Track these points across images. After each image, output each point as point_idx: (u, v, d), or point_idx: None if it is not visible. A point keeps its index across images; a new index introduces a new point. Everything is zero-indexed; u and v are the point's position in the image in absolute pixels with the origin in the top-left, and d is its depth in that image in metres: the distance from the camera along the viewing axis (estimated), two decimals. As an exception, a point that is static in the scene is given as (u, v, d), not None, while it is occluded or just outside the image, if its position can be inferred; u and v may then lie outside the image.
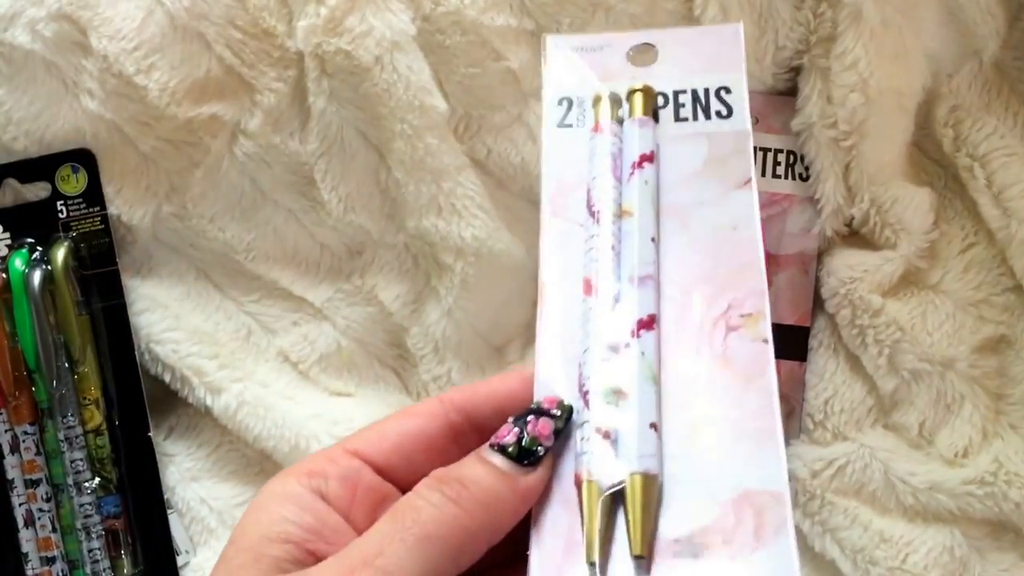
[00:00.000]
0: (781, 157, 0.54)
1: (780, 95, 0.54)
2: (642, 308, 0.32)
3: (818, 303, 0.54)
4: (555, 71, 0.38)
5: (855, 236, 0.54)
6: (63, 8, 0.50)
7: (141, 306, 0.54)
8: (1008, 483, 0.50)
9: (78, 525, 0.52)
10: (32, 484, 0.52)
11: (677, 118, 0.36)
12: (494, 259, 0.53)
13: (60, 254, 0.52)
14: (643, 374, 0.31)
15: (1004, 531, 0.52)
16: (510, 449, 0.29)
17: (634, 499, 0.29)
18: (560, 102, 0.37)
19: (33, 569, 0.52)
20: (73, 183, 0.53)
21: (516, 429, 0.30)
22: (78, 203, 0.53)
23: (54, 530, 0.52)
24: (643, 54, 0.38)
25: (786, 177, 0.54)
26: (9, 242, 0.53)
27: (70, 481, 0.52)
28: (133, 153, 0.53)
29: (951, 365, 0.52)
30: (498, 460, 0.29)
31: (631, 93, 0.36)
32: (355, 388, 0.56)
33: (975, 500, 0.51)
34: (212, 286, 0.56)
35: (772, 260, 0.54)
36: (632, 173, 0.34)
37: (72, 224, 0.53)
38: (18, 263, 0.51)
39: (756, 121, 0.54)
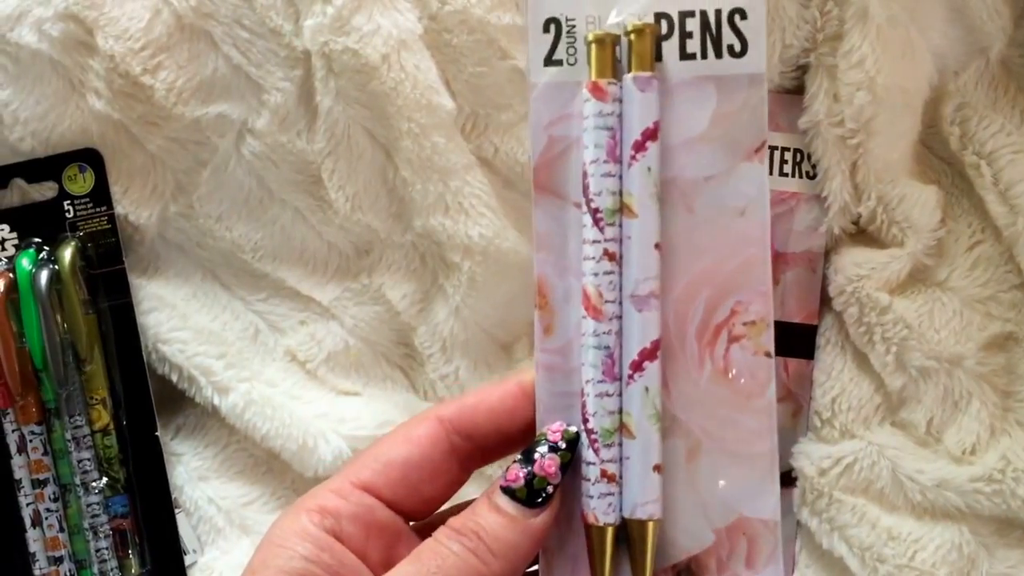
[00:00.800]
0: (788, 155, 0.54)
1: (787, 93, 0.54)
2: (645, 336, 0.31)
3: (825, 301, 0.54)
4: None
5: (862, 234, 0.54)
6: (69, 8, 0.50)
7: (148, 305, 0.54)
8: (1016, 480, 0.50)
9: (86, 525, 0.52)
10: (39, 484, 0.52)
11: (683, 55, 0.31)
12: (501, 257, 0.53)
13: (67, 254, 0.52)
14: (647, 412, 0.31)
15: (1012, 528, 0.52)
16: (519, 492, 0.30)
17: (639, 542, 0.30)
18: (547, 27, 0.32)
19: (40, 569, 0.52)
20: (80, 183, 0.53)
21: (524, 471, 0.30)
22: (85, 203, 0.53)
23: (61, 530, 0.52)
24: None
25: (793, 175, 0.54)
26: (16, 242, 0.53)
27: (77, 481, 0.52)
28: (140, 153, 0.53)
29: (959, 362, 0.52)
30: (509, 506, 0.30)
31: (630, 33, 0.31)
32: (362, 387, 0.56)
33: (983, 497, 0.51)
34: (219, 285, 0.56)
35: (780, 258, 0.53)
36: (634, 157, 0.31)
37: (79, 224, 0.53)
38: (25, 263, 0.51)
39: None
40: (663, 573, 0.31)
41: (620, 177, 0.31)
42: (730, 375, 0.31)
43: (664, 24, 0.31)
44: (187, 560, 0.54)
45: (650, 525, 0.31)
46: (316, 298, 0.56)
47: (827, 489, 0.52)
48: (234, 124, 0.53)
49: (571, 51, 0.32)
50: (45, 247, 0.53)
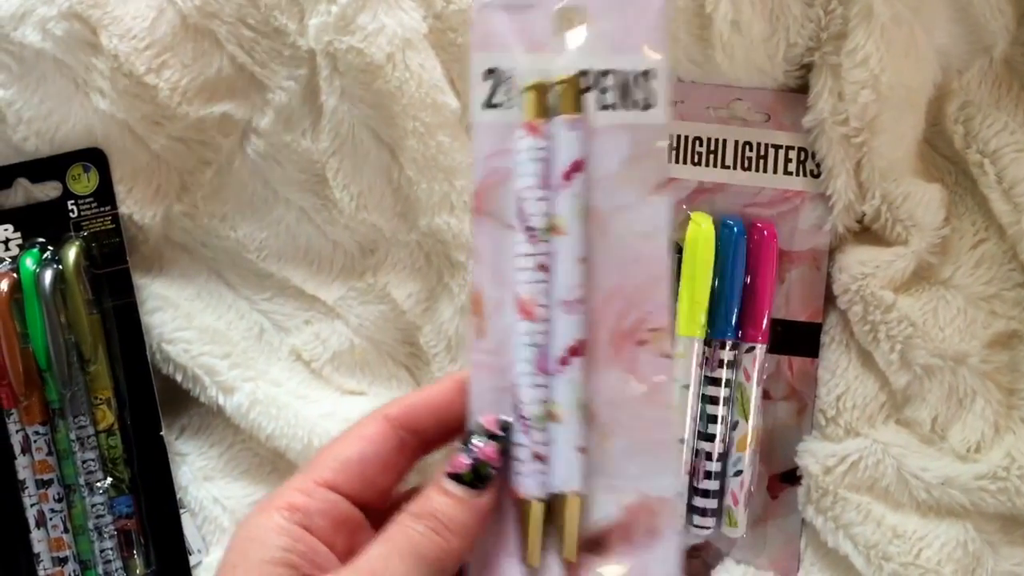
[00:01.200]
0: (792, 154, 0.54)
1: (791, 92, 0.54)
2: (571, 335, 0.35)
3: (830, 299, 0.54)
4: (481, 34, 0.37)
5: (866, 232, 0.54)
6: (73, 7, 0.50)
7: (152, 305, 0.54)
8: (1021, 478, 0.50)
9: (90, 525, 0.52)
10: (44, 484, 0.52)
11: (602, 106, 0.36)
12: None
13: (71, 253, 0.52)
14: (572, 401, 0.35)
15: (1017, 525, 0.52)
16: (465, 477, 0.34)
17: (566, 515, 0.35)
18: (487, 76, 0.37)
19: (45, 570, 0.52)
20: (84, 182, 0.53)
21: (468, 459, 0.34)
22: (89, 202, 0.53)
23: (66, 530, 0.52)
24: (571, 16, 0.37)
25: (798, 174, 0.54)
26: (20, 242, 0.52)
27: (82, 481, 0.52)
28: (144, 152, 0.53)
29: (963, 360, 0.52)
30: (457, 490, 0.34)
31: (560, 82, 0.36)
32: (368, 387, 0.56)
33: (988, 495, 0.51)
34: (224, 285, 0.56)
35: (785, 256, 0.54)
36: (562, 184, 0.36)
37: (83, 223, 0.53)
38: (29, 263, 0.51)
39: (768, 119, 0.54)
40: (582, 544, 0.35)
41: (550, 201, 0.36)
42: (637, 374, 0.36)
43: (586, 80, 0.36)
44: (192, 560, 0.54)
45: (575, 500, 0.35)
46: (321, 297, 0.56)
47: (832, 487, 0.52)
48: (238, 123, 0.53)
49: (507, 96, 0.37)
50: (49, 247, 0.52)
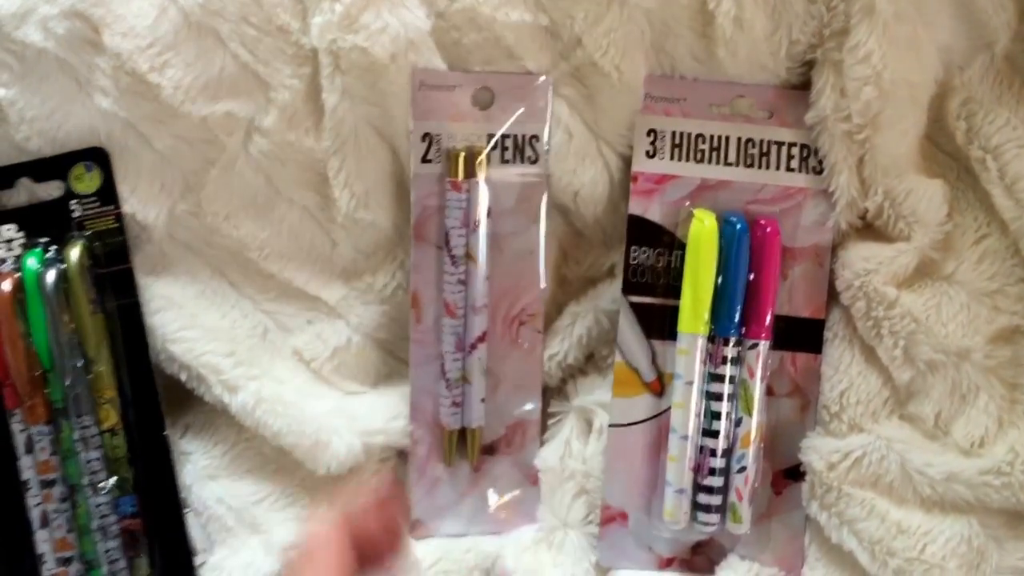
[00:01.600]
0: (795, 151, 0.54)
1: (794, 89, 0.54)
2: (479, 328, 0.54)
3: (833, 295, 0.54)
4: (420, 108, 0.52)
5: (869, 229, 0.54)
6: (75, 6, 0.50)
7: (156, 305, 0.54)
8: (1025, 472, 0.51)
9: (94, 525, 0.52)
10: (47, 485, 0.52)
11: (503, 160, 0.53)
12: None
13: (74, 253, 0.52)
14: (478, 370, 0.54)
15: (1021, 521, 0.52)
16: None
17: (472, 439, 0.55)
18: (423, 138, 0.53)
19: (49, 570, 0.52)
20: (87, 182, 0.53)
21: None
22: (92, 202, 0.53)
23: (70, 531, 0.52)
24: (483, 95, 0.53)
25: (800, 171, 0.54)
26: (23, 241, 0.52)
27: (86, 481, 0.52)
28: (147, 151, 0.53)
29: (966, 356, 0.52)
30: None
31: (476, 154, 0.53)
32: (369, 388, 0.57)
33: (992, 490, 0.51)
34: (228, 284, 0.56)
35: (787, 253, 0.54)
36: (477, 226, 0.53)
37: (86, 223, 0.53)
38: (32, 262, 0.51)
39: (770, 116, 0.54)
40: (481, 453, 0.55)
41: (468, 237, 0.53)
42: (518, 342, 0.55)
43: (493, 142, 0.53)
44: (197, 560, 0.54)
45: (478, 431, 0.55)
46: (323, 298, 0.56)
47: (836, 483, 0.53)
48: (242, 122, 0.52)
49: (438, 154, 0.53)
50: (52, 246, 0.52)
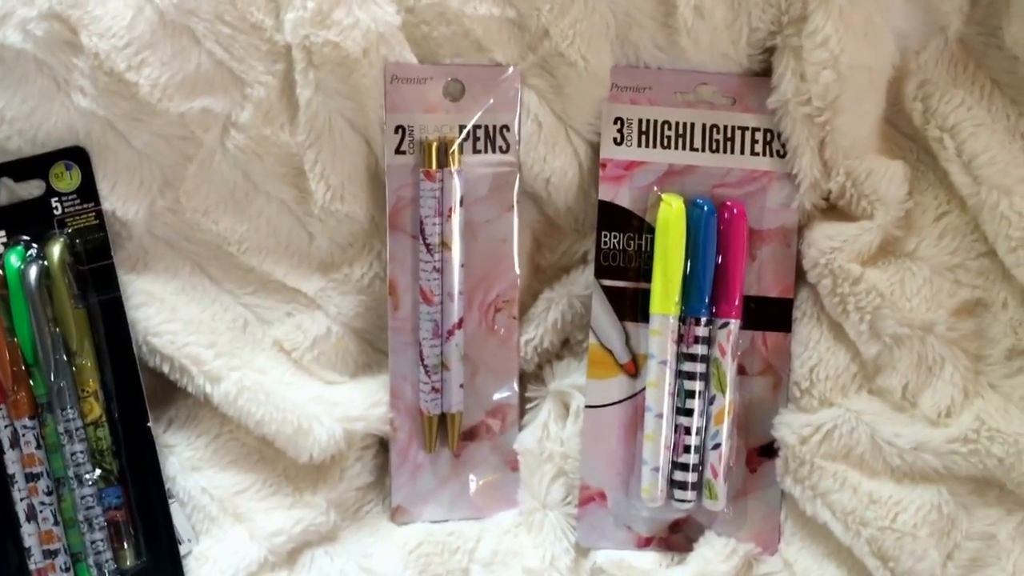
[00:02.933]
0: (759, 136, 0.55)
1: (756, 76, 0.55)
2: (456, 315, 0.55)
3: (800, 275, 0.56)
4: (392, 101, 0.54)
5: (833, 209, 0.56)
6: (53, 7, 0.51)
7: (138, 300, 0.55)
8: (991, 439, 0.52)
9: (80, 517, 0.53)
10: (33, 478, 0.53)
11: (474, 150, 0.55)
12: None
13: (56, 250, 0.53)
14: (456, 356, 0.55)
15: (989, 487, 0.53)
16: None
17: (451, 424, 0.56)
18: (396, 130, 0.54)
19: (36, 563, 0.53)
20: (67, 180, 0.54)
21: None
22: (72, 200, 0.54)
23: (56, 523, 0.53)
24: (454, 87, 0.54)
25: (764, 155, 0.55)
26: (5, 240, 0.53)
27: (71, 474, 0.53)
28: (126, 149, 0.54)
29: (930, 329, 0.53)
30: None
31: (449, 142, 0.54)
32: (349, 377, 0.57)
33: (959, 458, 0.52)
34: (208, 279, 0.57)
35: (755, 235, 0.55)
36: (451, 214, 0.54)
37: (67, 220, 0.54)
38: (14, 260, 0.52)
39: (733, 102, 0.55)
40: (461, 439, 0.56)
41: (442, 226, 0.54)
42: (495, 328, 0.56)
43: (464, 132, 0.54)
44: (182, 550, 0.54)
45: (457, 415, 0.56)
46: (302, 289, 0.57)
47: (808, 457, 0.54)
48: (218, 118, 0.54)
49: (411, 145, 0.54)
50: (34, 244, 0.53)
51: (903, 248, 0.55)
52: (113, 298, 0.54)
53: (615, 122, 0.55)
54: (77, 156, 0.53)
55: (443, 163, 0.54)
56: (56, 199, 0.54)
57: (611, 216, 0.55)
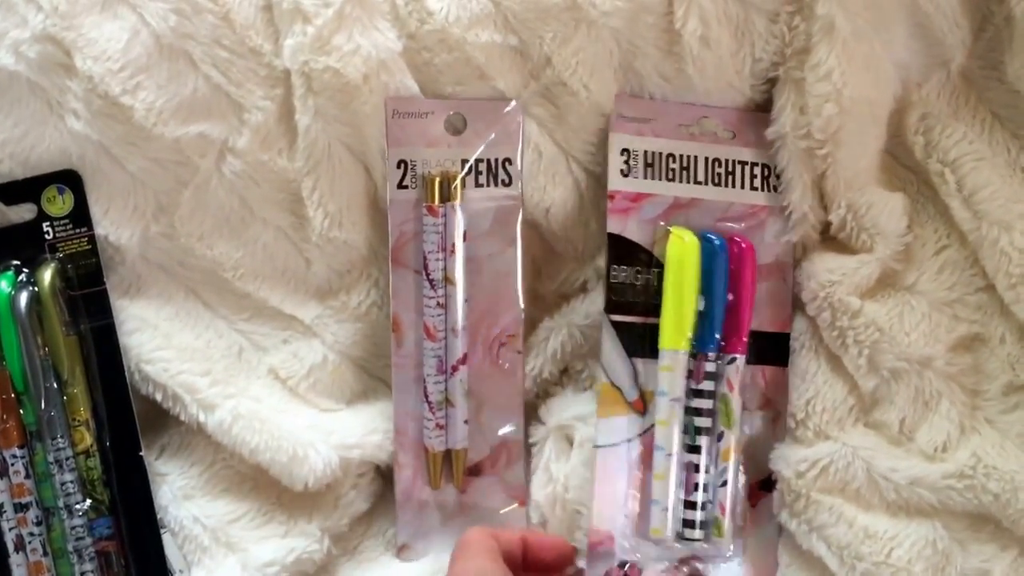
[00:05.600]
0: (756, 170, 0.55)
1: (754, 111, 0.55)
2: (460, 351, 0.55)
3: (799, 306, 0.56)
4: (394, 135, 0.53)
5: (832, 241, 0.56)
6: (47, 29, 0.51)
7: (131, 326, 0.54)
8: (987, 476, 0.52)
9: (70, 548, 0.52)
10: (22, 508, 0.52)
11: (477, 184, 0.54)
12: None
13: (47, 275, 0.52)
14: (460, 392, 0.55)
15: (984, 523, 0.53)
16: None
17: (456, 461, 0.56)
18: (399, 165, 0.54)
19: (25, 594, 0.52)
20: (59, 204, 0.53)
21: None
22: (64, 224, 0.53)
23: (45, 554, 0.52)
24: (456, 120, 0.54)
25: (762, 189, 0.55)
26: (-5, 264, 0.52)
27: (61, 504, 0.52)
28: (120, 173, 0.53)
29: (928, 364, 0.54)
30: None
31: (451, 178, 0.54)
32: (345, 405, 0.57)
33: (955, 493, 0.52)
34: (202, 305, 0.56)
35: None
36: (454, 249, 0.54)
37: (59, 245, 0.53)
38: (4, 285, 0.51)
39: (733, 136, 0.55)
40: (466, 474, 0.56)
41: (445, 261, 0.54)
42: (499, 363, 0.56)
43: (467, 166, 0.54)
44: (174, 580, 0.54)
45: (462, 452, 0.56)
46: (298, 316, 0.56)
47: (805, 491, 0.54)
48: (215, 143, 0.53)
49: (414, 180, 0.54)
50: (24, 269, 0.52)
51: (902, 282, 0.55)
52: (105, 324, 0.53)
53: (622, 153, 0.54)
54: (70, 180, 0.53)
55: (445, 197, 0.54)
56: (48, 223, 0.53)
57: (620, 249, 0.54)
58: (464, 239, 0.54)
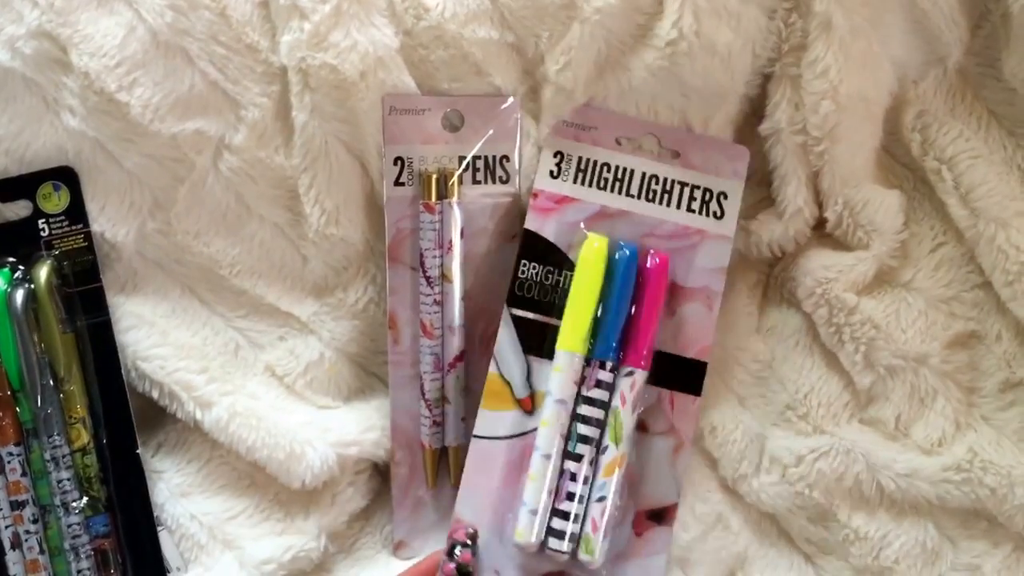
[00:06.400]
0: (697, 193, 0.54)
1: (699, 136, 0.54)
2: (457, 348, 0.54)
3: (793, 303, 0.56)
4: (391, 132, 0.53)
5: (828, 238, 0.56)
6: (43, 25, 0.50)
7: (127, 323, 0.54)
8: (984, 469, 0.52)
9: (66, 546, 0.52)
10: (18, 506, 0.52)
11: (474, 181, 0.54)
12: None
13: (43, 272, 0.52)
14: (457, 389, 0.55)
15: (978, 519, 0.54)
16: (450, 554, 0.50)
17: (453, 458, 0.55)
18: (395, 162, 0.53)
19: (22, 592, 0.52)
20: (55, 201, 0.52)
21: (452, 564, 0.50)
22: (60, 221, 0.53)
23: (42, 552, 0.52)
24: (453, 117, 0.54)
25: (700, 213, 0.54)
26: (-9, 262, 0.52)
27: (57, 501, 0.52)
28: (116, 170, 0.53)
29: (924, 361, 0.54)
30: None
31: (449, 174, 0.53)
32: (342, 402, 0.57)
33: (952, 487, 0.53)
34: (198, 302, 0.56)
35: (679, 291, 0.53)
36: (451, 247, 0.54)
37: (55, 242, 0.53)
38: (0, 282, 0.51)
39: (677, 155, 0.54)
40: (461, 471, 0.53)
41: (442, 258, 0.54)
42: (491, 358, 0.53)
43: (464, 163, 0.54)
44: (171, 578, 0.54)
45: (458, 448, 0.55)
46: (295, 313, 0.56)
47: (799, 484, 0.54)
48: (211, 140, 0.53)
49: (410, 177, 0.54)
50: (20, 266, 0.52)
51: (899, 279, 0.55)
52: (102, 322, 0.53)
53: (555, 155, 0.54)
54: (66, 176, 0.52)
55: (442, 195, 0.53)
56: (44, 220, 0.52)
57: (534, 247, 0.53)
58: (461, 236, 0.54)
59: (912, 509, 0.54)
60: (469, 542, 0.50)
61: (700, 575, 0.55)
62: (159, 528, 0.54)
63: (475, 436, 0.52)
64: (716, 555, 0.55)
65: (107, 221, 0.53)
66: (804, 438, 0.55)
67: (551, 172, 0.54)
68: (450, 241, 0.54)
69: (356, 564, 0.56)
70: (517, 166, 0.54)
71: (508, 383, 0.53)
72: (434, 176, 0.53)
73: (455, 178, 0.53)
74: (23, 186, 0.52)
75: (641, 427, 0.52)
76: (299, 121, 0.52)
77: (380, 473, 0.57)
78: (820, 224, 0.56)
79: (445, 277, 0.54)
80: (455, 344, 0.54)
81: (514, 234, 0.54)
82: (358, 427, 0.55)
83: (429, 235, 0.53)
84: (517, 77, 0.54)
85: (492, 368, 0.52)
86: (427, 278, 0.54)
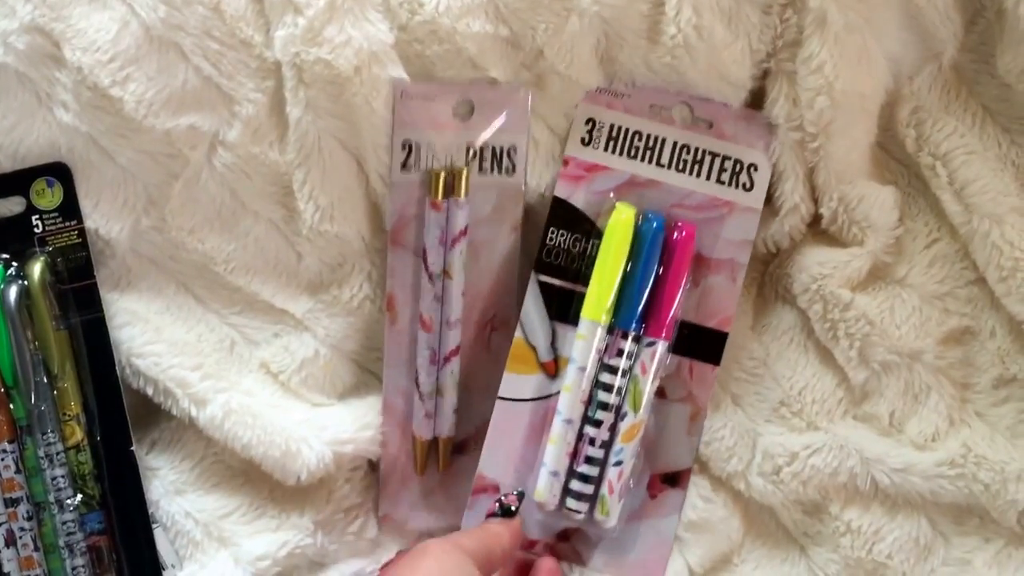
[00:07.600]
0: (728, 164, 0.54)
1: (742, 106, 0.55)
2: (453, 343, 0.55)
3: (787, 300, 0.56)
4: (400, 115, 0.53)
5: (823, 234, 0.56)
6: (36, 20, 0.50)
7: (121, 320, 0.54)
8: (977, 464, 0.52)
9: (61, 543, 0.52)
10: (12, 503, 0.51)
11: (480, 170, 0.54)
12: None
13: (36, 269, 0.51)
14: (452, 383, 0.55)
15: (970, 515, 0.54)
16: (500, 513, 0.52)
17: (443, 448, 0.56)
18: (403, 146, 0.53)
19: (16, 589, 0.52)
20: (48, 197, 0.52)
21: (497, 503, 0.52)
22: (54, 217, 0.52)
23: (36, 549, 0.52)
24: (464, 106, 0.54)
25: (730, 185, 0.54)
26: (-16, 258, 0.52)
27: (52, 499, 0.52)
28: (110, 166, 0.53)
29: (918, 357, 0.54)
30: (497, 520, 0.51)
31: (457, 173, 0.53)
32: (337, 399, 0.57)
33: (946, 482, 0.53)
34: (193, 299, 0.56)
35: (704, 263, 0.54)
36: (454, 244, 0.54)
37: (48, 239, 0.52)
38: (-7, 279, 0.51)
39: (710, 126, 0.54)
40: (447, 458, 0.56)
41: (445, 255, 0.54)
42: (490, 348, 0.55)
43: (472, 152, 0.54)
44: (166, 575, 0.53)
45: (449, 440, 0.56)
46: (290, 310, 0.56)
47: (791, 479, 0.54)
48: (205, 136, 0.52)
49: (417, 163, 0.54)
50: (13, 263, 0.52)
51: (893, 274, 0.56)
52: (96, 318, 0.53)
53: (587, 122, 0.54)
54: (59, 172, 0.52)
55: (449, 193, 0.53)
56: (37, 217, 0.52)
57: (562, 214, 0.54)
58: (465, 234, 0.54)
59: (905, 504, 0.54)
60: (518, 502, 0.51)
61: (695, 558, 0.55)
62: (154, 525, 0.53)
63: (500, 398, 0.54)
64: (711, 540, 0.56)
65: (101, 217, 0.53)
66: (798, 435, 0.55)
67: (582, 139, 0.54)
68: (454, 239, 0.54)
69: (351, 560, 0.56)
70: (524, 158, 0.54)
71: (533, 348, 0.54)
72: (441, 174, 0.53)
73: (463, 177, 0.53)
74: (16, 182, 0.52)
75: (659, 393, 0.54)
76: (293, 117, 0.52)
77: (375, 470, 0.57)
78: (815, 220, 0.56)
79: (446, 273, 0.54)
80: (452, 338, 0.54)
81: (516, 225, 0.54)
82: (353, 425, 0.55)
83: (434, 232, 0.54)
84: (513, 71, 0.54)
85: (518, 333, 0.54)
86: (429, 274, 0.54)
